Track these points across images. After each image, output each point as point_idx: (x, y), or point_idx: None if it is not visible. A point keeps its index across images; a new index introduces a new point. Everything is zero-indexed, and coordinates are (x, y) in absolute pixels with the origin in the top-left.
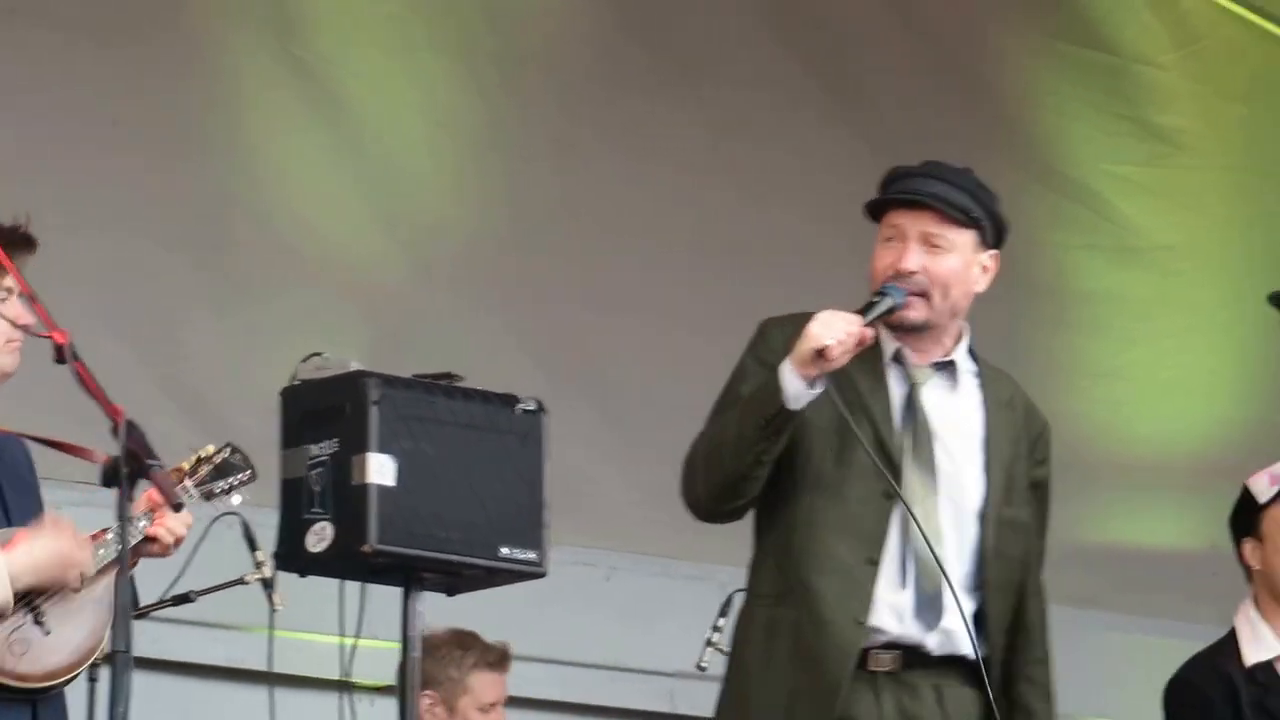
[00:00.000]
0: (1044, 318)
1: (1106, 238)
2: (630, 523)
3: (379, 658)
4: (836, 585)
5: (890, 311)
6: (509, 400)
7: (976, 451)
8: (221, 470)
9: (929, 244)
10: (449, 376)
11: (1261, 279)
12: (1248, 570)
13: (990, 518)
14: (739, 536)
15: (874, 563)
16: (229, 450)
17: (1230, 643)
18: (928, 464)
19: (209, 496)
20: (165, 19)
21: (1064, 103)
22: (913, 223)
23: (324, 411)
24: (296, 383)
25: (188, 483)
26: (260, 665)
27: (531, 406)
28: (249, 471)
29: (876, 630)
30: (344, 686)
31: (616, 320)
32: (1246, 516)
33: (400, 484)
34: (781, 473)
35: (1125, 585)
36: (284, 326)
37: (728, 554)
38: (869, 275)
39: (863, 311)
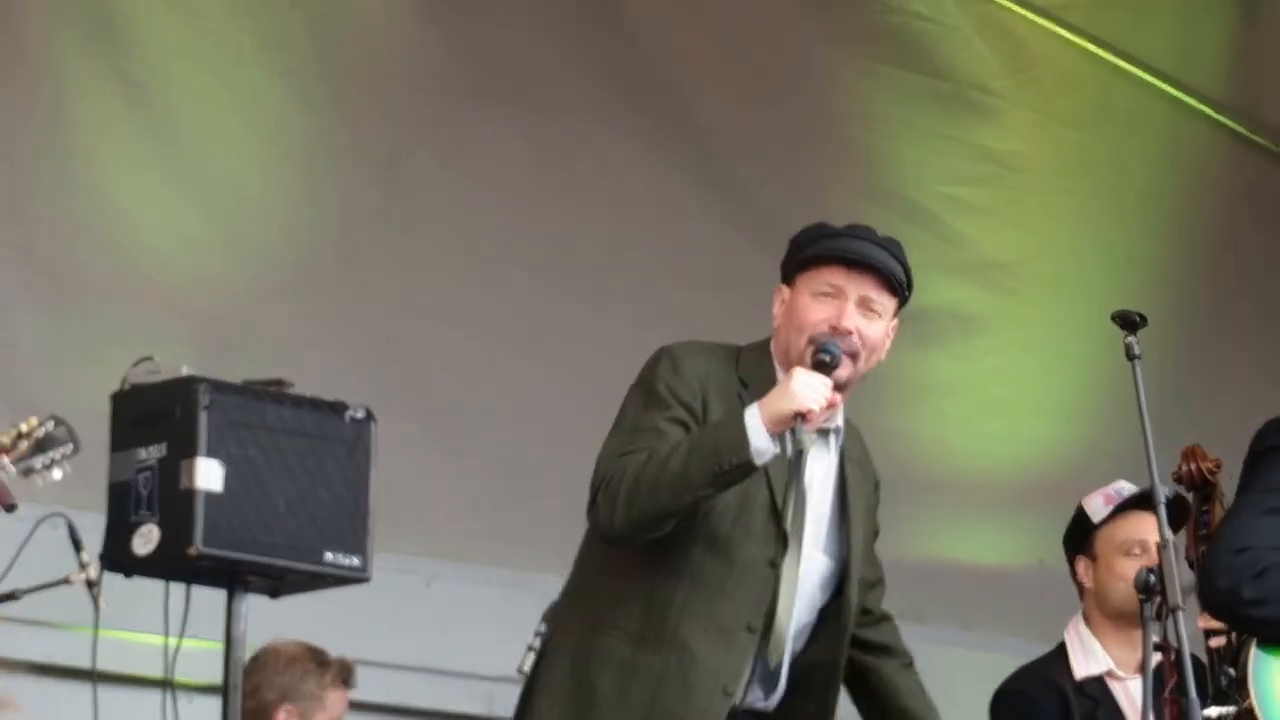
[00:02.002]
0: None
1: (940, 255)
2: (451, 531)
3: (202, 658)
4: (712, 652)
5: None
6: (338, 408)
7: (836, 516)
8: (41, 444)
9: (866, 308)
10: (279, 383)
11: (1095, 299)
12: (1080, 588)
13: (851, 581)
14: (557, 545)
15: (753, 630)
16: (52, 423)
17: (1060, 656)
18: (798, 533)
19: (28, 473)
20: None
21: (896, 126)
22: (854, 285)
23: (154, 416)
24: (127, 387)
25: (5, 459)
26: (84, 664)
27: (360, 415)
28: (71, 445)
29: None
30: (167, 686)
31: (441, 333)
32: (1080, 535)
33: (227, 489)
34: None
35: (952, 601)
36: (114, 333)
37: (546, 563)
38: (798, 326)
39: (826, 372)
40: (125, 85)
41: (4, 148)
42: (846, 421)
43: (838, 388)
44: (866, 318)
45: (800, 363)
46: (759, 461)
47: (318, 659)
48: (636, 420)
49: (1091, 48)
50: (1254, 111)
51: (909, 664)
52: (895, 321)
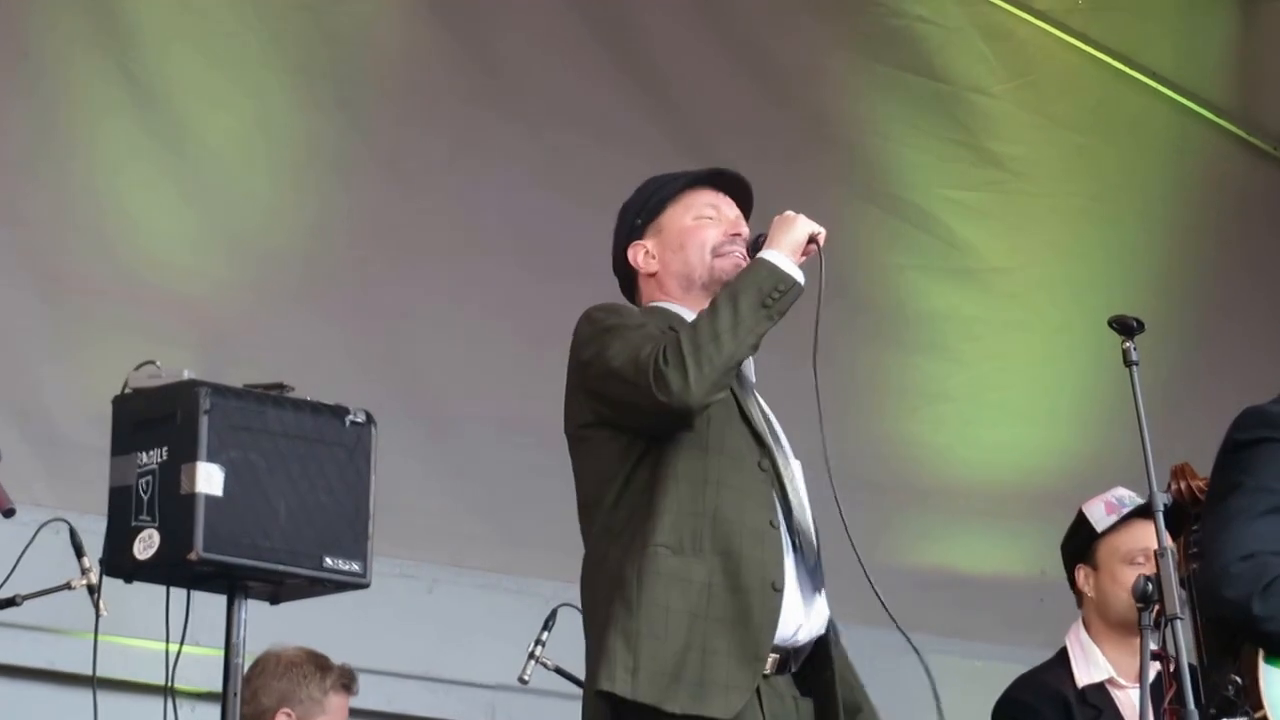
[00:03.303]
0: (876, 337)
1: (941, 259)
2: (453, 536)
3: (203, 664)
4: (752, 549)
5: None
6: (339, 412)
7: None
8: None
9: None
10: (280, 387)
11: (1096, 304)
12: (1079, 595)
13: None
14: (559, 551)
15: (775, 526)
16: None
17: (1061, 664)
18: (774, 435)
19: None
20: None
21: (898, 129)
22: (728, 206)
23: (155, 420)
24: (128, 391)
25: None
26: (85, 669)
27: (361, 418)
28: None
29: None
30: (168, 692)
31: (443, 337)
32: (1081, 543)
33: (227, 493)
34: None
35: (952, 609)
36: (116, 336)
37: (550, 568)
38: (698, 243)
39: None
40: (128, 86)
41: (5, 149)
42: None
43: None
44: None
45: (713, 277)
46: (803, 283)
47: (318, 663)
48: (619, 327)
49: (1093, 52)
50: (1254, 115)
51: None
52: None
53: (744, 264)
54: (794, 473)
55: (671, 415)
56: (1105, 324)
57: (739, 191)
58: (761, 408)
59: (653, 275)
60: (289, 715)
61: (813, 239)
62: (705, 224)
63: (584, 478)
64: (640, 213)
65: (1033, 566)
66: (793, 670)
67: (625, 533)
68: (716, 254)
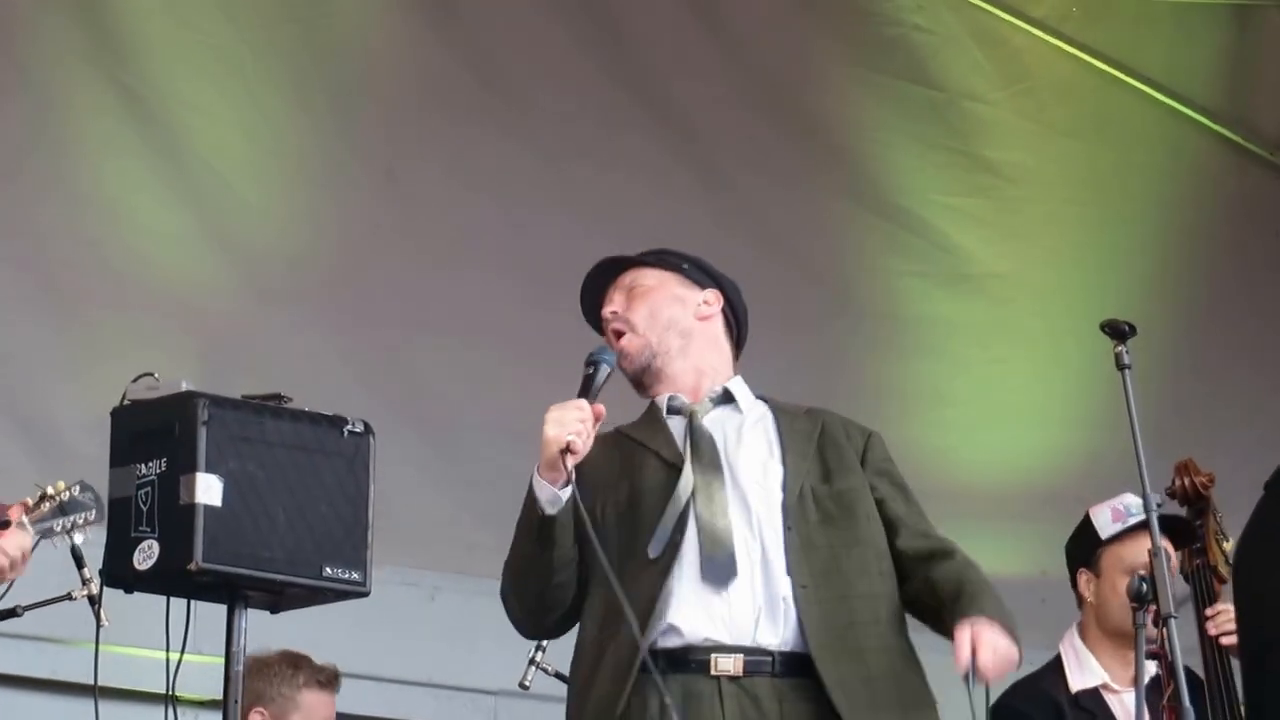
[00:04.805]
0: (875, 343)
1: (938, 265)
2: (454, 543)
3: (204, 673)
4: (632, 599)
5: (605, 377)
6: (337, 422)
7: (773, 444)
8: (64, 508)
9: (625, 292)
10: (277, 397)
11: (1093, 308)
12: (1079, 598)
13: (806, 494)
14: None
15: (655, 560)
16: (78, 488)
17: (1055, 669)
18: (714, 463)
19: (47, 534)
20: None
21: (894, 136)
22: (614, 291)
23: (153, 431)
24: (127, 403)
25: (25, 519)
26: (87, 679)
27: (359, 428)
28: (94, 510)
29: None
30: (169, 701)
31: (441, 344)
32: (1085, 548)
33: (226, 503)
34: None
35: None
36: (116, 347)
37: None
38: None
39: (586, 385)
40: (126, 99)
41: (5, 162)
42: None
43: (641, 368)
44: (628, 297)
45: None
46: (551, 510)
47: (291, 662)
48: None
49: (1088, 59)
50: (1249, 120)
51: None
52: (708, 293)
53: (623, 357)
54: (747, 495)
55: None
56: (1099, 327)
57: (611, 270)
58: (706, 435)
59: None
60: (262, 714)
61: (566, 449)
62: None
63: None
64: None
65: (1033, 567)
66: (774, 674)
67: None
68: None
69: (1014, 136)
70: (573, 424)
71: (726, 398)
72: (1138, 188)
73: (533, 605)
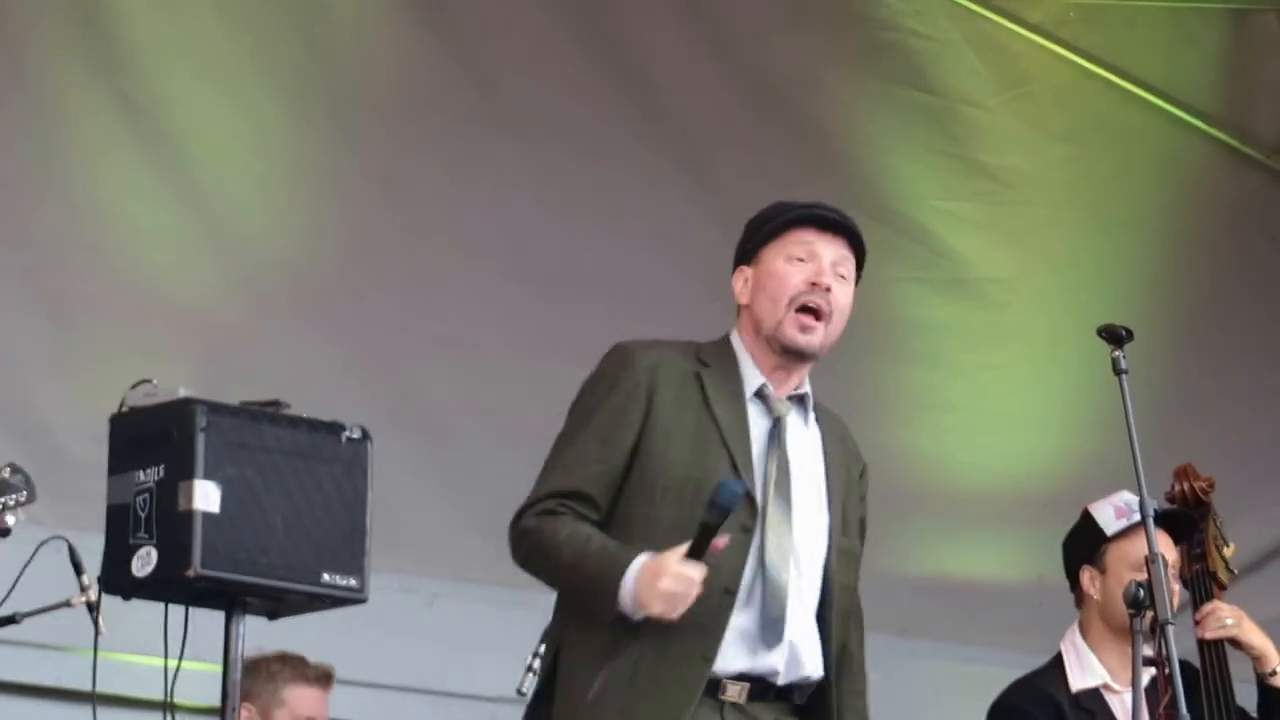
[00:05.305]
0: (872, 348)
1: (935, 270)
2: (452, 550)
3: (202, 679)
4: (689, 617)
5: (729, 513)
6: (334, 428)
7: (821, 483)
8: None
9: (837, 271)
10: (276, 404)
11: (1090, 313)
12: (1079, 596)
13: (834, 548)
14: None
15: (730, 593)
16: (9, 470)
17: (1056, 669)
18: (785, 496)
19: None
20: None
21: (891, 141)
22: (826, 246)
23: (151, 438)
24: (125, 409)
25: None
26: (85, 686)
27: (356, 434)
28: (25, 492)
29: (723, 662)
30: (167, 708)
31: (440, 350)
32: (1088, 545)
33: (224, 510)
34: (633, 501)
35: (950, 615)
36: (116, 355)
37: None
38: (773, 294)
39: (695, 552)
40: (125, 106)
41: (4, 169)
42: (825, 409)
43: (807, 357)
44: (838, 281)
45: (775, 337)
46: (635, 619)
47: (280, 659)
48: (573, 432)
49: (1085, 63)
50: (1246, 124)
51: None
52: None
53: (808, 333)
54: (806, 526)
55: None
56: (1096, 332)
57: (844, 230)
58: (785, 457)
59: (745, 307)
60: (249, 710)
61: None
62: (792, 270)
63: None
64: (754, 238)
65: (1030, 572)
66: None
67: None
68: (791, 306)
69: (1011, 141)
70: (680, 604)
71: (802, 399)
72: (1135, 192)
73: (546, 582)
